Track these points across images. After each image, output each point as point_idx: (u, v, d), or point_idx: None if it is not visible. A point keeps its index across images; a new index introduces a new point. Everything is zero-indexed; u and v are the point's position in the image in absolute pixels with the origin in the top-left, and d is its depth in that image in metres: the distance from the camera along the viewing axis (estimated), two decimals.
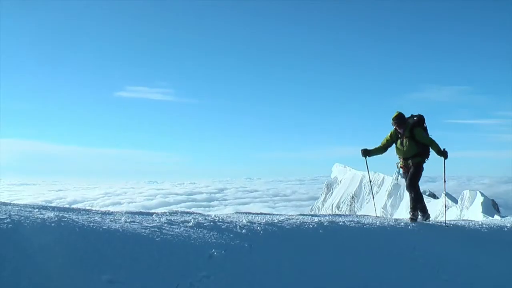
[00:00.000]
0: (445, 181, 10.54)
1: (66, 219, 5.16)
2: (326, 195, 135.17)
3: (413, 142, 9.49)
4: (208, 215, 7.00)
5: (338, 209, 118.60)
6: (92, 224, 5.22)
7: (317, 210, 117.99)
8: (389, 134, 9.88)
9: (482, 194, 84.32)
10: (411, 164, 9.59)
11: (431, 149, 9.62)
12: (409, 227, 7.87)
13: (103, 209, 7.04)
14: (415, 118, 9.77)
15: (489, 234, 8.61)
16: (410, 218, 9.28)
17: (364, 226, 7.44)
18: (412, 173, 9.57)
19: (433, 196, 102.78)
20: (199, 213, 7.28)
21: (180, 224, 6.03)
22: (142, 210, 7.25)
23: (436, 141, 9.74)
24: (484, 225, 9.13)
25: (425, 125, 9.85)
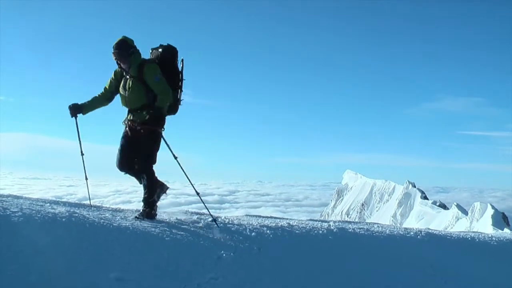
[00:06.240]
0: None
1: (77, 214, 5.19)
2: (336, 201, 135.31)
3: (142, 86, 6.16)
4: (219, 217, 7.01)
5: (347, 216, 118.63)
6: (102, 220, 5.24)
7: (326, 216, 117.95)
8: (113, 73, 6.47)
9: (492, 207, 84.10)
10: (140, 128, 6.23)
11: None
12: (418, 236, 7.81)
13: (114, 207, 7.07)
14: (159, 50, 6.49)
15: (499, 247, 8.54)
16: (144, 212, 6.21)
17: (374, 234, 7.40)
18: (145, 148, 6.30)
19: (443, 206, 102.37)
20: (210, 214, 7.29)
21: (190, 225, 6.04)
22: None
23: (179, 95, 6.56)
24: (493, 238, 9.06)
25: (180, 65, 6.57)
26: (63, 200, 6.92)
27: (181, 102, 6.63)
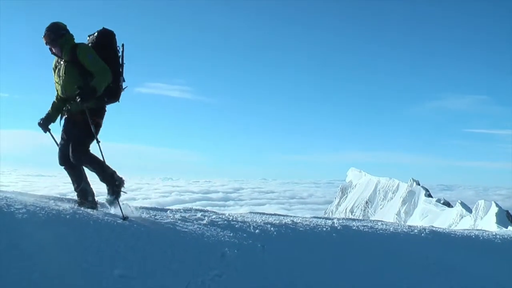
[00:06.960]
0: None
1: (81, 211, 5.18)
2: (340, 199, 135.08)
3: (76, 69, 5.64)
4: (222, 214, 7.00)
5: (351, 214, 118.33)
6: (106, 218, 5.23)
7: (330, 213, 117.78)
8: (52, 72, 5.96)
9: (497, 205, 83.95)
10: (79, 118, 5.77)
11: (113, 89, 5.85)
12: (422, 234, 7.80)
13: None
14: (95, 35, 5.96)
15: (502, 245, 8.52)
16: (114, 190, 5.99)
17: (377, 232, 7.38)
18: (76, 138, 5.75)
19: (448, 204, 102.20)
20: (214, 212, 7.28)
21: (194, 222, 6.04)
22: (156, 207, 7.27)
23: (123, 77, 6.01)
24: (497, 236, 9.03)
25: (118, 47, 6.02)
26: (67, 197, 6.92)
27: (124, 89, 6.09)
